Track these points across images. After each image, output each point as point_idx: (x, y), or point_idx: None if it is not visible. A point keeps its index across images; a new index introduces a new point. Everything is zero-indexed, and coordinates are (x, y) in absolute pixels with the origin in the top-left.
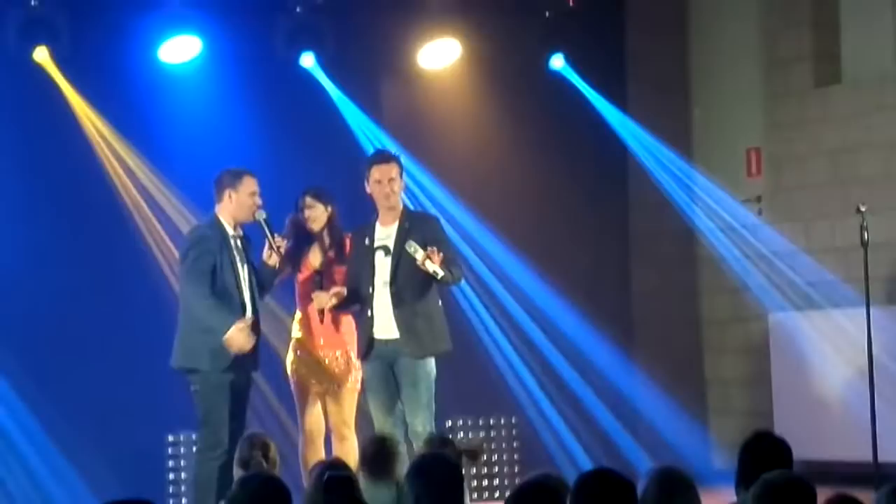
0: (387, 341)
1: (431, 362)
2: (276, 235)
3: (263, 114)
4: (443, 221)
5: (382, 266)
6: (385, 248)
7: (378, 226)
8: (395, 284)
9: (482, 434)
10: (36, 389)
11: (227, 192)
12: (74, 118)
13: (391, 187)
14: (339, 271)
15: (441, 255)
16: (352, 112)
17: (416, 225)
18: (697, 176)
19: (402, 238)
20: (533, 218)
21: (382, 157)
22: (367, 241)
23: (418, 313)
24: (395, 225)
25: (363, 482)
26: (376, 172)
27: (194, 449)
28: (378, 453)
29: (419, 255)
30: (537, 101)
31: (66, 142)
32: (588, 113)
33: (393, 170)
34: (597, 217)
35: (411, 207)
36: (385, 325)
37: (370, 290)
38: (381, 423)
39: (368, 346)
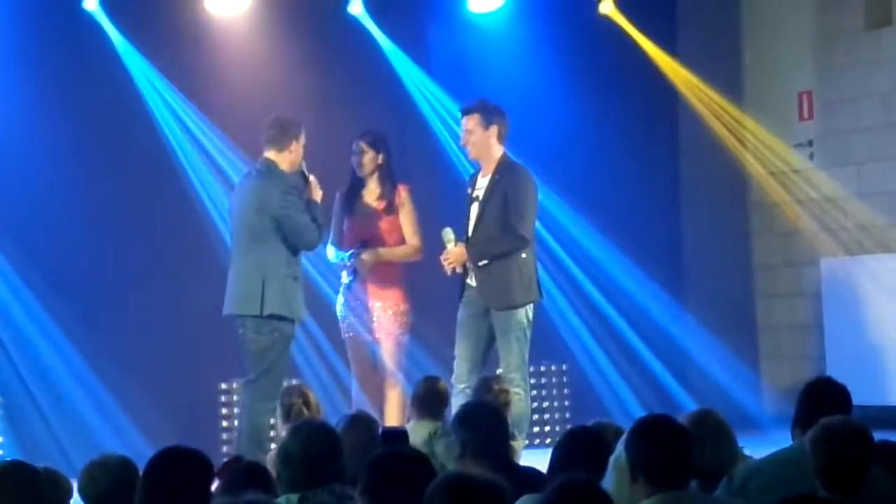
0: (474, 288)
1: (521, 312)
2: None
3: (310, 61)
4: (528, 175)
5: (473, 216)
6: (476, 199)
7: (479, 176)
8: (474, 235)
9: (532, 381)
10: (89, 339)
11: (293, 142)
12: (122, 65)
13: (466, 139)
14: (388, 221)
15: (452, 265)
16: (399, 59)
17: (504, 175)
18: (748, 120)
19: (491, 189)
20: (582, 163)
21: (461, 109)
22: (468, 190)
23: (492, 265)
24: (489, 176)
25: (411, 420)
26: (461, 125)
27: (249, 399)
28: (427, 394)
29: (449, 244)
30: (586, 46)
31: (114, 90)
32: (638, 57)
33: (467, 122)
34: (647, 162)
35: (510, 157)
36: (473, 273)
37: (465, 238)
38: (459, 364)
39: (462, 290)
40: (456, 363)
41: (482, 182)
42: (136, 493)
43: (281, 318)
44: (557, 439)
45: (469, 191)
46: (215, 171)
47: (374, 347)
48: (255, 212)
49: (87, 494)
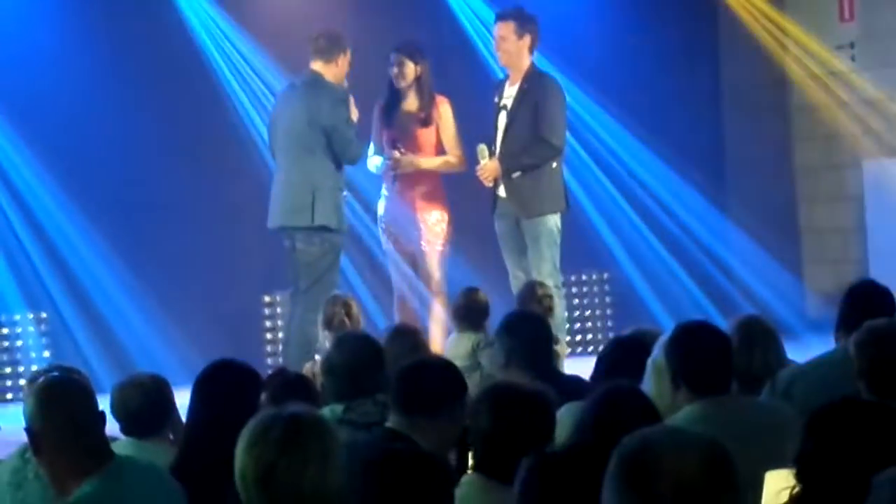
0: (504, 199)
1: (551, 220)
2: None
3: None
4: (558, 85)
5: (501, 125)
6: (505, 108)
7: (507, 85)
8: (503, 145)
9: (574, 289)
10: (139, 252)
11: (340, 55)
12: None
13: (499, 46)
14: (426, 132)
15: (489, 177)
16: None
17: (533, 85)
18: (789, 22)
19: (520, 98)
20: (622, 69)
21: (497, 15)
22: (496, 99)
23: (524, 175)
24: (517, 85)
25: (453, 332)
26: (494, 31)
27: (300, 309)
28: (467, 305)
29: (483, 160)
30: None
31: (154, 9)
32: None
33: (501, 28)
34: (687, 66)
35: (538, 67)
36: (503, 185)
37: (493, 148)
38: (514, 276)
39: (493, 203)
40: (510, 276)
41: (510, 91)
42: (172, 406)
43: (329, 230)
44: (601, 347)
45: (496, 99)
46: (255, 83)
47: (416, 258)
48: (306, 124)
49: (119, 413)
